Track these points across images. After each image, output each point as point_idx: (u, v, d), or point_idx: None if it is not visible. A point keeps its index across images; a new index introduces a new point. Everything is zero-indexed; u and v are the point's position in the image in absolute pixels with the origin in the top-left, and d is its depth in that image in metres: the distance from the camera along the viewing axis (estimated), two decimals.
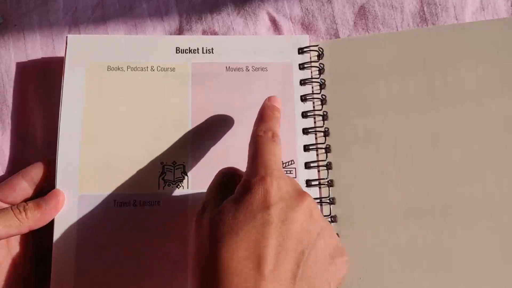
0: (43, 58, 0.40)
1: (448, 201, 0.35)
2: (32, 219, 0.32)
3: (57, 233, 0.34)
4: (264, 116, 0.32)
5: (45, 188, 0.35)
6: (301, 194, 0.28)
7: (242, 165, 0.33)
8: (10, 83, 0.39)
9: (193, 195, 0.35)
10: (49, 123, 0.38)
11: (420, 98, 0.37)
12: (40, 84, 0.39)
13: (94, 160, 0.36)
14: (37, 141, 0.39)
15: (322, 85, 0.38)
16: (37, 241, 0.35)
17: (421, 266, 0.34)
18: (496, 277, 0.33)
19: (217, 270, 0.25)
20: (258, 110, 0.37)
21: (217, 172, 0.32)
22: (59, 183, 0.35)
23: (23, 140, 0.39)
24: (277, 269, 0.25)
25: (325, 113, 0.37)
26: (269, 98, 0.34)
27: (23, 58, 0.40)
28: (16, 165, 0.38)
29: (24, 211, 0.32)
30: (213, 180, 0.31)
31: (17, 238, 0.34)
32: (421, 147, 0.36)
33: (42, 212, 0.33)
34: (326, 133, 0.37)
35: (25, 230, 0.32)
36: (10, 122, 0.39)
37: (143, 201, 0.35)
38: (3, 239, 0.32)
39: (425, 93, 0.37)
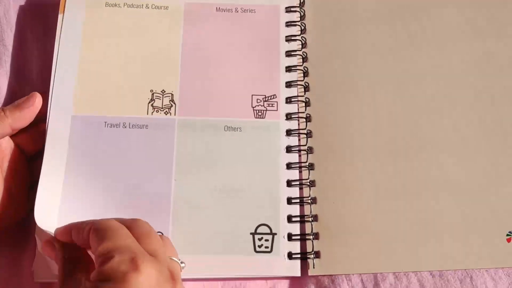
0: None
1: (419, 135, 0.38)
2: (11, 117, 0.34)
3: (48, 151, 0.35)
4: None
5: (38, 116, 0.36)
6: None
7: (226, 97, 0.37)
8: (8, 23, 0.40)
9: (179, 121, 0.37)
10: (46, 61, 0.39)
11: (397, 44, 0.40)
12: (39, 23, 0.41)
13: (88, 85, 0.38)
14: (33, 78, 0.40)
15: (302, 30, 0.41)
16: (30, 169, 0.36)
17: (393, 193, 0.37)
18: (462, 203, 0.36)
19: None
20: (245, 49, 0.40)
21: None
22: (53, 105, 0.36)
23: (20, 77, 0.40)
24: None
25: (305, 54, 0.40)
26: None
27: (21, 1, 0.42)
28: (12, 101, 0.39)
29: (3, 111, 0.34)
30: None
31: (11, 165, 0.35)
32: (397, 90, 0.39)
33: (21, 110, 0.34)
34: (305, 74, 0.40)
35: (7, 129, 0.34)
36: (6, 60, 0.39)
37: (132, 124, 0.37)
38: None
39: (402, 39, 0.40)
